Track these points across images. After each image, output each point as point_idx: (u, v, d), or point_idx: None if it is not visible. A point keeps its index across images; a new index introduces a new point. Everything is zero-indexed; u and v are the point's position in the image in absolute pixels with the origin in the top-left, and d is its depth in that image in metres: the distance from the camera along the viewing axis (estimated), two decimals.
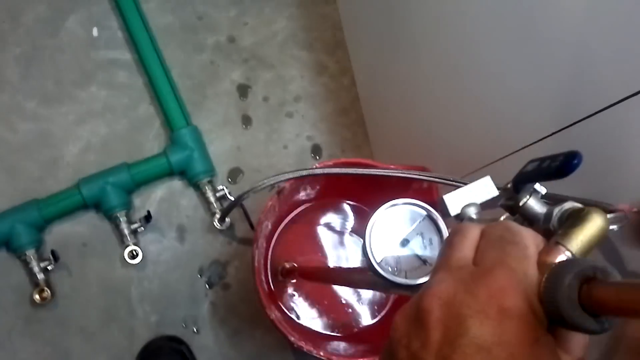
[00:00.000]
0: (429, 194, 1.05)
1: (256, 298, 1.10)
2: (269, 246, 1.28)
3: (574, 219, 0.41)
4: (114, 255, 1.34)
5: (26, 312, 1.29)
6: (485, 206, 0.53)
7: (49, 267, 1.28)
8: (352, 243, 1.32)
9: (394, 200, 0.55)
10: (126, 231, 1.32)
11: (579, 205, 0.43)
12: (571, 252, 0.37)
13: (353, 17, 1.48)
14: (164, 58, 1.45)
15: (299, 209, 1.32)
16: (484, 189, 0.54)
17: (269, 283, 1.25)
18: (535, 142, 0.75)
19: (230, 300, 1.38)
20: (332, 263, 1.31)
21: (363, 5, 1.37)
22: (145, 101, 1.46)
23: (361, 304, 1.29)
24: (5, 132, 1.38)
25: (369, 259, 0.53)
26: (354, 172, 1.03)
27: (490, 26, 0.84)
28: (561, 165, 0.43)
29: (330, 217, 1.33)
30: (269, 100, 1.50)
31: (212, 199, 1.37)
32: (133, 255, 1.33)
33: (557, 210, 0.45)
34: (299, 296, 1.28)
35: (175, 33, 1.52)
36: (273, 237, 1.29)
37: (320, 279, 1.23)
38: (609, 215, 0.57)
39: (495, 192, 0.53)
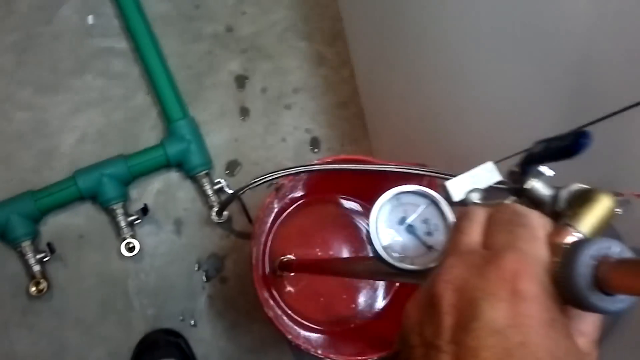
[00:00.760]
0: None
1: (254, 295, 1.09)
2: (267, 241, 1.28)
3: (582, 200, 0.41)
4: (111, 247, 1.34)
5: (22, 303, 1.28)
6: (488, 192, 0.53)
7: (45, 259, 1.28)
8: (351, 238, 1.32)
9: (397, 187, 0.55)
10: (123, 223, 1.31)
11: (586, 186, 0.44)
12: (581, 233, 0.37)
13: (352, 7, 1.47)
14: (161, 47, 1.44)
15: (297, 203, 1.31)
16: (486, 174, 0.54)
17: (267, 279, 1.24)
18: None
19: (228, 294, 1.37)
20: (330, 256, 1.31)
21: None
22: (142, 91, 1.44)
23: (360, 298, 1.29)
24: (0, 121, 1.37)
25: (375, 245, 0.53)
26: (353, 168, 1.03)
27: (494, 21, 0.83)
28: (570, 145, 0.42)
29: (329, 212, 1.33)
30: (267, 92, 1.49)
31: (209, 191, 1.36)
32: (130, 248, 1.32)
33: (564, 192, 0.45)
34: (297, 291, 1.28)
35: (172, 21, 1.50)
36: (271, 231, 1.29)
37: (319, 270, 1.23)
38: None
39: (498, 178, 0.53)
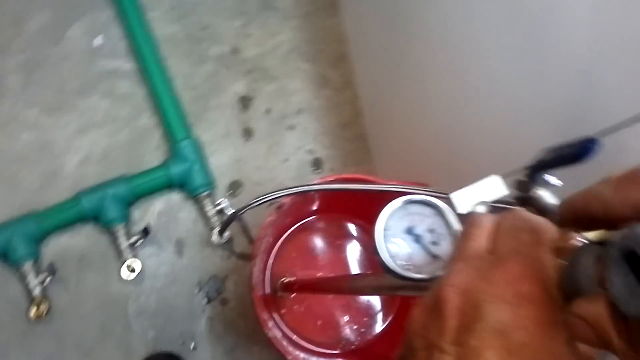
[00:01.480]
0: None
1: (254, 317, 1.08)
2: (268, 261, 1.27)
3: None
4: (112, 269, 1.33)
5: (22, 326, 1.28)
6: (493, 206, 0.53)
7: (46, 281, 1.28)
8: (353, 259, 1.30)
9: (403, 197, 0.55)
10: (124, 245, 1.31)
11: None
12: (586, 238, 0.36)
13: (357, 30, 1.47)
14: (167, 68, 1.44)
15: (298, 224, 1.31)
16: (492, 187, 0.54)
17: (267, 300, 1.23)
18: None
19: (228, 316, 1.36)
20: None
21: (367, 18, 1.36)
22: (147, 112, 1.45)
23: (360, 320, 1.28)
24: (5, 141, 1.38)
25: (381, 255, 0.52)
26: (353, 187, 1.01)
27: (495, 41, 0.83)
28: (579, 150, 0.43)
29: (331, 232, 1.32)
30: (271, 113, 1.49)
31: (211, 212, 1.36)
32: (131, 270, 1.32)
33: None
34: (298, 313, 1.26)
35: (178, 43, 1.51)
36: (272, 252, 1.28)
37: (321, 289, 1.22)
38: None
39: (504, 191, 0.54)
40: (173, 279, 1.36)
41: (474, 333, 0.33)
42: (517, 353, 0.31)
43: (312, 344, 1.24)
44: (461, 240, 0.40)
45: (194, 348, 1.33)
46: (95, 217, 1.32)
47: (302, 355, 1.19)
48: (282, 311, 1.25)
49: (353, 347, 1.26)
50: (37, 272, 1.27)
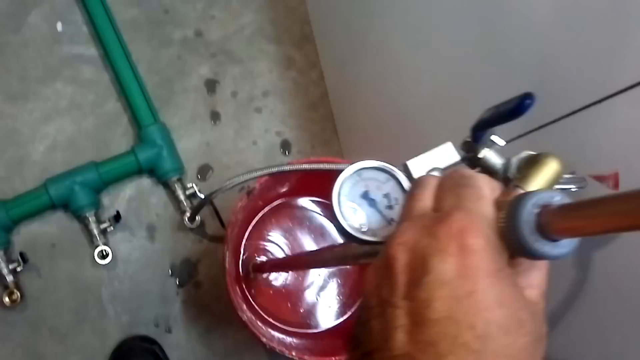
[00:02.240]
0: None
1: (227, 299, 1.10)
2: (240, 245, 1.29)
3: (531, 164, 0.44)
4: (84, 255, 1.34)
5: None
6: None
7: (18, 269, 1.27)
8: (322, 239, 1.33)
9: (359, 163, 0.56)
10: (95, 231, 1.31)
11: (535, 153, 0.46)
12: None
13: (320, 10, 1.48)
14: (130, 53, 1.44)
15: (269, 207, 1.33)
16: (446, 153, 0.56)
17: (241, 282, 1.25)
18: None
19: (202, 299, 1.38)
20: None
21: None
22: (112, 97, 1.44)
23: (333, 299, 1.31)
24: None
25: (338, 219, 0.53)
26: (316, 167, 1.04)
27: (455, 20, 0.85)
28: (515, 106, 0.45)
29: (302, 215, 1.34)
30: (237, 96, 1.50)
31: (181, 197, 1.37)
32: (103, 255, 1.32)
33: (514, 159, 0.48)
34: (271, 294, 1.29)
35: (141, 27, 1.50)
36: (244, 235, 1.30)
37: (291, 265, 1.24)
38: (568, 176, 0.60)
39: (457, 158, 0.55)
40: (145, 263, 1.37)
41: (422, 286, 0.34)
42: (464, 301, 0.32)
43: (287, 324, 1.27)
44: (407, 201, 0.41)
45: (169, 331, 1.35)
46: (65, 204, 1.32)
47: (277, 335, 1.21)
48: (256, 293, 1.27)
49: (328, 326, 1.29)
50: (9, 261, 1.27)
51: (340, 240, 1.33)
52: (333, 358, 1.11)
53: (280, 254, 1.31)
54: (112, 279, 1.35)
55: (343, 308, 1.31)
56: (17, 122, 1.39)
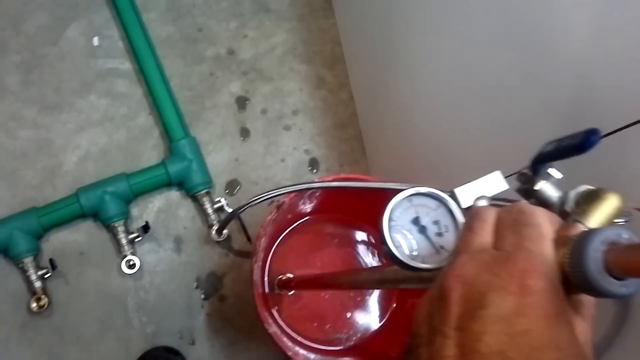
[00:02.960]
0: None
1: (254, 312, 1.11)
2: (267, 259, 1.29)
3: (590, 199, 0.43)
4: (111, 264, 1.35)
5: (23, 319, 1.30)
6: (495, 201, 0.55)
7: (47, 275, 1.29)
8: (350, 258, 1.33)
9: (410, 189, 0.56)
10: (124, 241, 1.33)
11: (593, 188, 0.46)
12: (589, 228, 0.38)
13: (351, 31, 1.50)
14: (164, 68, 1.47)
15: (297, 223, 1.33)
16: (493, 182, 0.56)
17: (266, 297, 1.25)
18: None
19: (226, 312, 1.39)
20: None
21: (361, 20, 1.39)
22: (145, 111, 1.47)
23: (358, 317, 1.30)
24: (5, 139, 1.39)
25: (387, 243, 0.53)
26: (352, 185, 1.04)
27: (490, 42, 0.85)
28: (580, 141, 0.44)
29: (328, 232, 1.34)
30: (267, 113, 1.52)
31: (209, 210, 1.38)
32: (130, 265, 1.33)
33: (572, 193, 0.47)
34: (296, 310, 1.29)
35: (175, 44, 1.53)
36: (271, 250, 1.30)
37: (319, 285, 1.24)
38: None
39: (505, 186, 0.55)
40: (172, 275, 1.38)
41: (476, 319, 0.34)
42: (518, 339, 0.32)
43: (310, 341, 1.27)
44: (465, 234, 0.41)
45: (193, 343, 1.35)
46: (95, 214, 1.34)
47: (301, 351, 1.21)
48: (281, 308, 1.27)
49: (351, 343, 1.29)
50: (38, 267, 1.29)
51: (371, 261, 1.33)
52: None
53: (305, 271, 1.32)
54: (138, 289, 1.36)
55: (368, 327, 1.30)
56: (51, 132, 1.42)
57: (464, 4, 0.90)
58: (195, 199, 1.41)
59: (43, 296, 1.28)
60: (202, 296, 1.38)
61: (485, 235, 0.40)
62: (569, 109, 0.71)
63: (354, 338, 1.29)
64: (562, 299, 0.35)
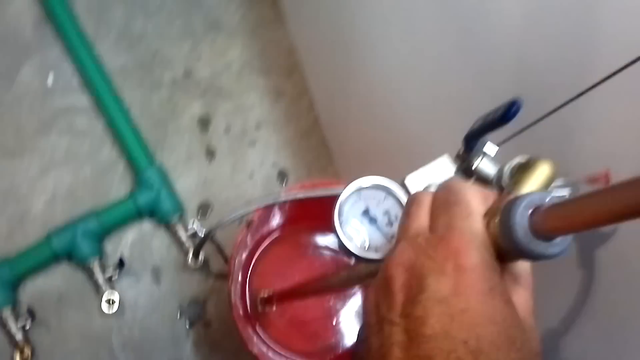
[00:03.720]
0: None
1: (238, 335, 1.10)
2: (245, 278, 1.28)
3: (522, 170, 0.45)
4: (91, 305, 1.34)
5: None
6: None
7: (27, 326, 1.28)
8: (327, 265, 1.32)
9: (358, 181, 0.56)
10: (100, 280, 1.31)
11: (527, 157, 0.48)
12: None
13: (304, 39, 1.49)
14: (122, 98, 1.45)
15: (271, 238, 1.32)
16: (442, 167, 0.57)
17: (249, 317, 1.25)
18: None
19: (213, 338, 1.38)
20: None
21: (311, 27, 1.39)
22: (108, 145, 1.45)
23: (345, 325, 1.30)
24: None
25: (340, 237, 0.54)
26: (314, 194, 1.04)
27: (432, 38, 0.86)
28: (503, 113, 0.46)
29: (303, 243, 1.34)
30: (230, 131, 1.50)
31: (183, 237, 1.37)
32: (110, 303, 1.32)
33: (507, 167, 0.49)
34: (282, 325, 1.28)
35: (130, 72, 1.52)
36: (248, 269, 1.29)
37: (299, 294, 1.24)
38: (560, 182, 0.60)
39: (453, 170, 0.56)
40: (153, 307, 1.37)
41: (418, 304, 0.35)
42: (459, 318, 0.34)
43: (300, 355, 1.26)
44: (403, 220, 0.43)
45: None
46: (68, 256, 1.32)
47: None
48: (267, 326, 1.27)
49: (340, 351, 1.28)
50: (17, 318, 1.27)
51: (351, 262, 1.32)
52: None
53: (286, 285, 1.31)
54: (121, 327, 1.34)
55: (355, 335, 1.29)
56: (16, 177, 1.40)
57: None
58: (168, 227, 1.40)
59: (26, 348, 1.26)
60: (187, 325, 1.37)
61: (421, 219, 0.41)
62: (511, 90, 0.71)
63: (343, 346, 1.28)
64: (496, 273, 0.36)
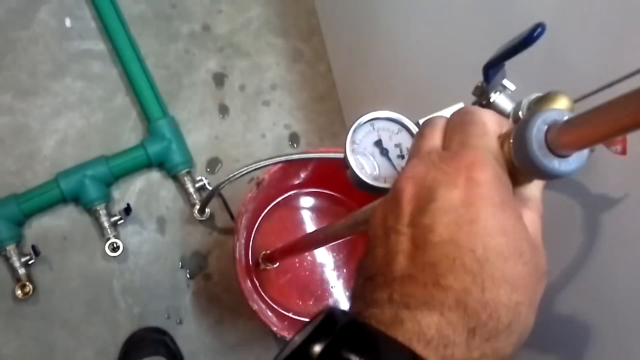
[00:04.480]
0: None
1: (238, 289, 1.11)
2: (250, 236, 1.29)
3: (541, 102, 0.45)
4: (95, 248, 1.35)
5: (9, 307, 1.30)
6: None
7: (30, 262, 1.29)
8: None
9: (371, 113, 0.56)
10: (106, 224, 1.32)
11: (544, 94, 0.47)
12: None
13: (327, 2, 1.48)
14: (139, 48, 1.44)
15: (279, 199, 1.33)
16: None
17: (251, 273, 1.26)
18: None
19: (212, 290, 1.39)
20: None
21: None
22: (121, 92, 1.45)
23: (344, 286, 1.31)
24: None
25: (351, 165, 0.54)
26: (324, 156, 1.04)
27: (467, 5, 0.86)
28: (527, 36, 0.45)
29: (311, 206, 1.35)
30: (245, 89, 1.50)
31: (191, 189, 1.38)
32: (114, 248, 1.33)
33: (525, 101, 0.49)
34: (282, 284, 1.30)
35: (149, 22, 1.51)
36: (254, 226, 1.30)
37: (298, 249, 1.24)
38: None
39: None
40: (156, 256, 1.38)
41: (427, 213, 0.35)
42: (467, 227, 0.34)
43: (298, 314, 1.27)
44: (416, 139, 0.43)
45: (180, 322, 1.36)
46: (75, 198, 1.33)
47: (286, 326, 1.22)
48: (266, 284, 1.28)
49: None
50: (21, 254, 1.28)
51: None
52: None
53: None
54: (123, 271, 1.36)
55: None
56: (28, 117, 1.40)
57: None
58: (176, 178, 1.40)
59: (27, 283, 1.27)
60: (188, 275, 1.39)
61: (435, 139, 0.41)
62: (541, 72, 0.71)
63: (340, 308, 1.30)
64: (508, 189, 0.36)
